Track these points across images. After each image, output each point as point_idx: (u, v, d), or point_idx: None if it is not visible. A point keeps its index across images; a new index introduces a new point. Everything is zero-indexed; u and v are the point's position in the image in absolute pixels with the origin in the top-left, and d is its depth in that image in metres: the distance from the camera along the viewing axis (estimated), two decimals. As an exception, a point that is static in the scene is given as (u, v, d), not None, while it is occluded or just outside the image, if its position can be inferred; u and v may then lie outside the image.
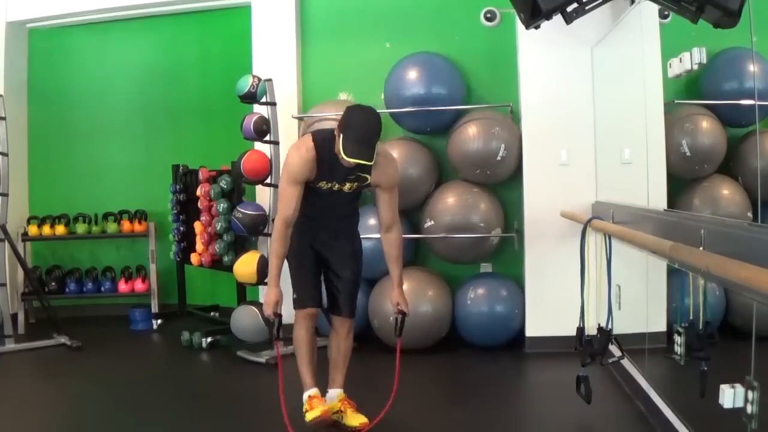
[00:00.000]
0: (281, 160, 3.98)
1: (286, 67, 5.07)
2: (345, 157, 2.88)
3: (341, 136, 2.90)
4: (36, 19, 5.85)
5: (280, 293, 3.07)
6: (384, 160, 3.12)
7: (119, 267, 5.96)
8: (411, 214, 4.91)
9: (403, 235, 4.67)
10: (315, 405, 3.10)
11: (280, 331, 3.08)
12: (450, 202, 4.62)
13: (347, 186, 3.13)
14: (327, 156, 3.02)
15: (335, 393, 3.27)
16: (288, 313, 3.19)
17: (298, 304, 3.22)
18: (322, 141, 3.05)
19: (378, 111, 3.01)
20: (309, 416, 3.08)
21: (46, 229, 5.83)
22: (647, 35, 3.33)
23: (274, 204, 4.42)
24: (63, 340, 4.95)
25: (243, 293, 5.13)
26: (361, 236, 3.46)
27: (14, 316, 5.34)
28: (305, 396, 3.17)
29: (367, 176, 3.09)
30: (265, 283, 3.68)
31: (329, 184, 3.10)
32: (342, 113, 2.99)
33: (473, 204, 4.60)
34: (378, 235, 4.62)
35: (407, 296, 4.47)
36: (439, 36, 4.97)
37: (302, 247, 3.18)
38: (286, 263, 3.16)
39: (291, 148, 3.15)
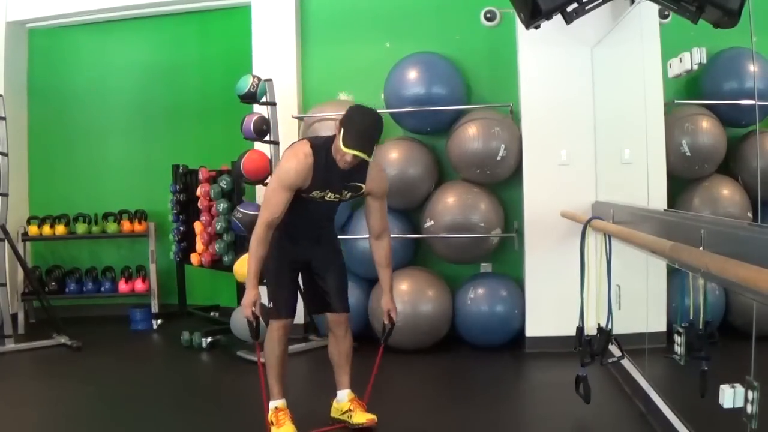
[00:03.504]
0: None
1: (286, 67, 5.07)
2: (344, 148, 2.82)
3: (342, 131, 2.85)
4: (36, 19, 5.86)
5: (258, 294, 3.04)
6: (378, 169, 3.16)
7: (119, 267, 5.96)
8: (411, 214, 4.92)
9: (404, 236, 4.76)
10: (282, 420, 3.10)
11: (260, 333, 3.10)
12: (450, 202, 4.62)
13: (343, 194, 3.09)
14: (324, 164, 2.97)
15: (344, 393, 3.28)
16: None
17: (273, 314, 3.17)
18: (320, 148, 2.98)
19: (378, 111, 3.01)
20: None
21: (46, 229, 5.83)
22: (647, 35, 3.33)
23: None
24: (63, 340, 4.95)
25: (243, 293, 5.11)
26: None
27: (14, 316, 5.34)
28: (272, 405, 3.16)
29: (362, 185, 3.08)
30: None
31: (322, 193, 3.04)
32: (343, 113, 2.96)
33: (473, 204, 4.60)
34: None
35: (407, 296, 4.57)
36: (439, 36, 4.97)
37: (280, 255, 3.10)
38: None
39: (288, 152, 3.06)
